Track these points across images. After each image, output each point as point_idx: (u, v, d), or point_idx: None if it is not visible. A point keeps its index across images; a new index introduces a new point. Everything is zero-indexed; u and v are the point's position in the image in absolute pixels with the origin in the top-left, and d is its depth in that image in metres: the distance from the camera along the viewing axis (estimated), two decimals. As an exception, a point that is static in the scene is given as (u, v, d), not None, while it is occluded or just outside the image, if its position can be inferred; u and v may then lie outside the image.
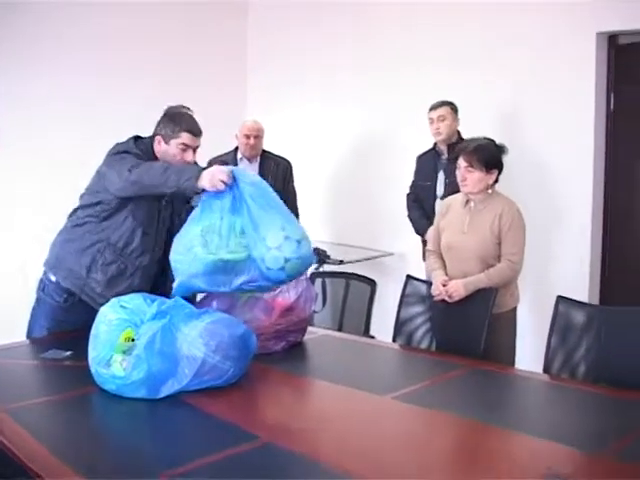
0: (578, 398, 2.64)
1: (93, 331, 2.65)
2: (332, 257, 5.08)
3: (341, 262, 5.07)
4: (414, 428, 2.38)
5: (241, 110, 6.28)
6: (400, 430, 2.36)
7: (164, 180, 2.93)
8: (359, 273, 4.10)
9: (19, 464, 2.02)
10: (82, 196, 3.32)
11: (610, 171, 4.58)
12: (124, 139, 3.29)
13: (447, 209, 3.70)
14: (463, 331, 3.33)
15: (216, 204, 2.79)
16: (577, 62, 4.49)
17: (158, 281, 3.33)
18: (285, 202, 5.12)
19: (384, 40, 5.50)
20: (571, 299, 3.09)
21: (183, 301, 2.68)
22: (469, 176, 3.49)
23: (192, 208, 3.04)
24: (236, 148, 5.05)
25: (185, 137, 3.18)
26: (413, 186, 4.84)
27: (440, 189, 4.54)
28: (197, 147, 3.25)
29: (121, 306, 2.69)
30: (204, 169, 2.88)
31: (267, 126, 5.07)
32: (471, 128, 4.44)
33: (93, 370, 2.57)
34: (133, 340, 2.57)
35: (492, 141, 3.59)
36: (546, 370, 2.99)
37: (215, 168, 2.86)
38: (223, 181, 2.76)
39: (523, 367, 3.12)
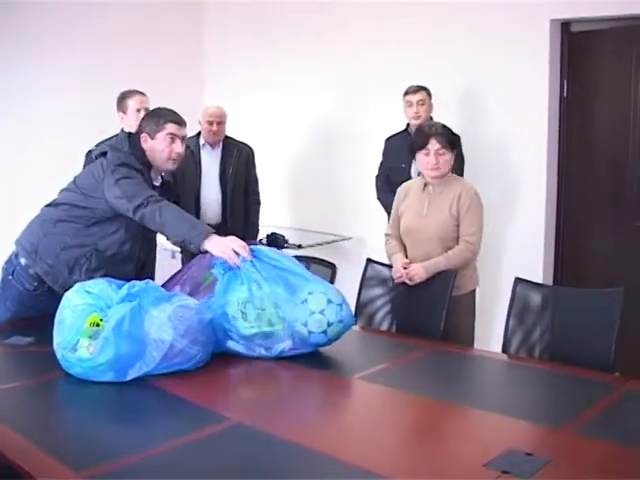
0: (537, 376, 2.73)
1: (58, 317, 2.64)
2: (291, 242, 5.12)
3: (299, 246, 5.11)
4: (382, 408, 2.43)
5: (199, 96, 6.27)
6: (368, 409, 2.42)
7: (172, 229, 2.98)
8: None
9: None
10: (66, 191, 3.25)
11: (563, 157, 4.69)
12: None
13: (405, 194, 3.74)
14: (423, 313, 3.38)
15: (243, 276, 2.78)
16: (531, 48, 4.58)
17: None
18: (247, 188, 5.17)
19: (345, 27, 5.51)
20: (528, 280, 3.16)
21: (154, 284, 2.68)
22: (442, 159, 3.50)
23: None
24: (198, 133, 5.02)
25: (171, 127, 3.18)
26: (382, 168, 4.84)
27: (415, 171, 4.48)
28: (184, 137, 3.25)
29: (86, 291, 2.68)
30: (216, 232, 2.92)
31: (226, 112, 5.05)
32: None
33: (59, 355, 2.56)
34: (98, 325, 2.56)
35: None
36: (504, 350, 3.07)
37: (231, 239, 2.88)
38: (237, 254, 2.80)
39: (481, 348, 3.20)
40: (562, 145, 4.68)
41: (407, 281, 3.47)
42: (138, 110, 4.44)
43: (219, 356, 2.70)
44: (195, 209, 4.95)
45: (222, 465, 1.92)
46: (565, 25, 4.57)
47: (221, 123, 4.95)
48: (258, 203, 5.13)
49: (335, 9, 5.56)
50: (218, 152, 5.01)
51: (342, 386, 2.56)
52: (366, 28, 5.38)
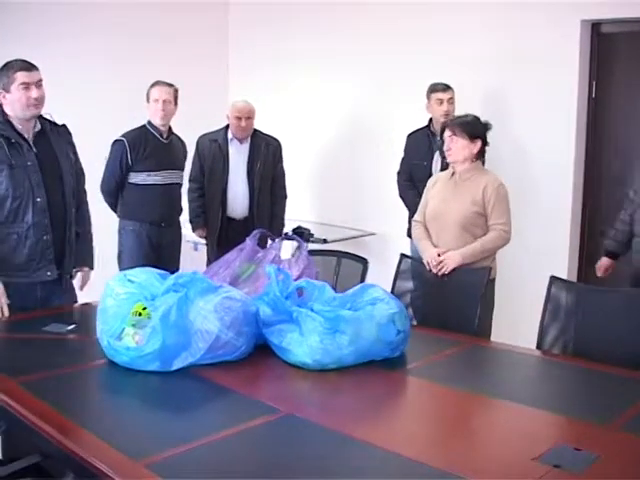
0: (575, 373, 2.74)
1: (100, 305, 2.68)
2: (316, 236, 5.14)
3: (325, 241, 5.14)
4: (429, 401, 2.46)
5: (224, 91, 6.32)
6: (415, 403, 2.47)
7: None
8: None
9: (42, 435, 2.05)
10: None
11: (590, 158, 4.69)
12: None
13: (435, 181, 3.88)
14: (457, 308, 3.42)
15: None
16: (561, 49, 4.58)
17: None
18: (274, 182, 5.17)
19: (372, 23, 5.51)
20: (564, 279, 3.20)
21: (200, 275, 2.68)
22: (453, 145, 3.69)
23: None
24: (226, 127, 5.01)
25: (20, 75, 3.21)
26: (404, 164, 4.86)
27: (437, 169, 4.56)
28: (39, 81, 3.26)
29: (129, 280, 2.71)
30: None
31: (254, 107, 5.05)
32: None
33: (104, 343, 2.59)
34: (140, 314, 2.59)
35: (477, 118, 3.78)
36: (539, 346, 3.09)
37: None
38: None
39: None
40: (589, 146, 4.68)
41: (434, 270, 3.56)
42: (156, 100, 4.46)
43: (261, 348, 2.70)
44: (222, 203, 4.96)
45: (277, 454, 1.95)
46: (595, 26, 4.57)
47: (250, 118, 4.94)
48: (284, 197, 5.13)
49: (362, 5, 5.56)
50: (246, 147, 5.00)
51: (388, 380, 2.58)
52: (392, 25, 5.38)
